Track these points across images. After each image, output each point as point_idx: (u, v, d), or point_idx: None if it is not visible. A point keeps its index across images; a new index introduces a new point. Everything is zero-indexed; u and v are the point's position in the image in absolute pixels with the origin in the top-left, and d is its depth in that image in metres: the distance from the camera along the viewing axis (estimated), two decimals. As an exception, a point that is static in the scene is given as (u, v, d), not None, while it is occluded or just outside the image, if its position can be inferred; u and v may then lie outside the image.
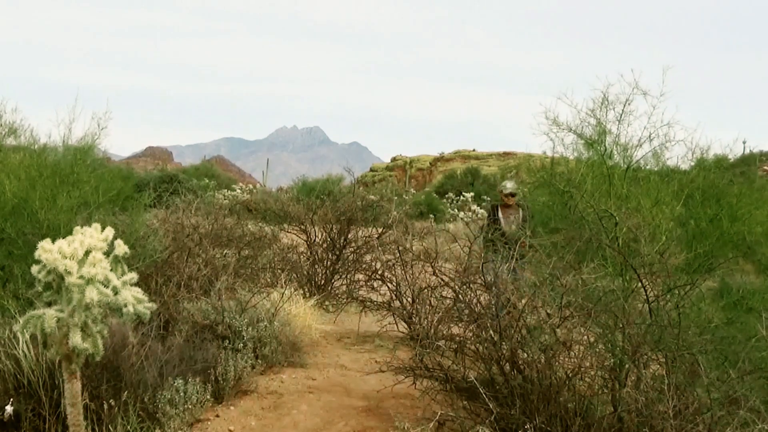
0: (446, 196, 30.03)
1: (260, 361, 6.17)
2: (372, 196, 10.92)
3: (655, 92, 5.21)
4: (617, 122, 5.48)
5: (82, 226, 3.34)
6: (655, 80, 5.28)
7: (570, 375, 4.33)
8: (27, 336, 4.21)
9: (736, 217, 5.87)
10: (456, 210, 25.50)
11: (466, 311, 5.29)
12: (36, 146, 6.76)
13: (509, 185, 8.39)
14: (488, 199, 28.93)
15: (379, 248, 8.79)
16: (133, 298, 3.27)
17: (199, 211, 8.93)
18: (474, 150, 53.37)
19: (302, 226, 10.21)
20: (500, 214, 8.32)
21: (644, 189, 5.47)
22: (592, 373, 4.41)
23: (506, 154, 49.77)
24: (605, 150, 5.50)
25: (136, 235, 6.36)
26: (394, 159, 55.47)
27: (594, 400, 4.29)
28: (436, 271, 5.89)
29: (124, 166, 20.15)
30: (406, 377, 5.31)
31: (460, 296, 5.33)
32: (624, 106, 5.37)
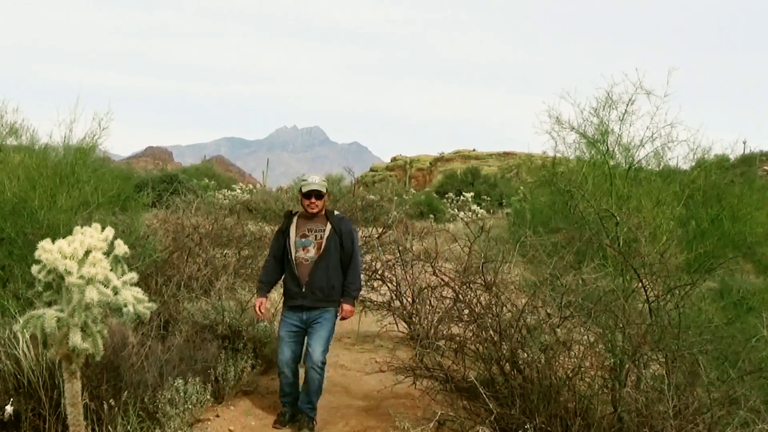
0: (446, 196, 30.02)
1: (260, 361, 6.17)
2: (372, 196, 10.92)
3: (659, 92, 5.20)
4: (620, 122, 5.48)
5: (82, 226, 3.33)
6: (658, 80, 5.27)
7: (570, 375, 4.33)
8: (27, 336, 4.21)
9: (737, 217, 5.87)
10: (456, 210, 25.48)
11: (466, 311, 5.29)
12: (37, 146, 6.76)
13: (314, 178, 4.82)
14: (488, 198, 28.83)
15: (379, 248, 8.80)
16: (133, 298, 3.26)
17: (199, 211, 8.94)
18: (474, 150, 53.41)
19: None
20: (292, 230, 4.80)
21: (645, 189, 5.47)
22: (592, 373, 4.41)
23: (506, 154, 49.79)
24: (607, 149, 5.49)
25: (136, 235, 6.36)
26: (394, 159, 55.51)
27: (594, 400, 4.28)
28: (436, 271, 5.88)
29: (124, 166, 20.13)
30: (406, 377, 5.30)
31: (460, 296, 5.33)
32: (627, 105, 5.37)
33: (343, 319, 4.86)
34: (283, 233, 4.82)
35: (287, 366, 4.88)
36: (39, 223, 5.81)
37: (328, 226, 4.75)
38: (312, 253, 4.71)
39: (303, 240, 4.74)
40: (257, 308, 4.84)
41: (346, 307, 4.82)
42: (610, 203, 5.14)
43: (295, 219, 4.83)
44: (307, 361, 4.82)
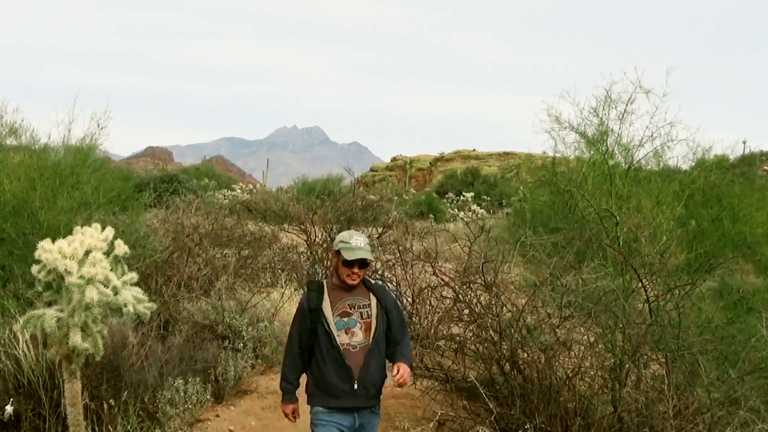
0: (446, 196, 30.02)
1: (260, 361, 6.18)
2: (372, 196, 10.92)
3: (659, 92, 5.21)
4: (619, 121, 5.48)
5: (82, 226, 3.33)
6: (658, 80, 5.28)
7: (570, 375, 4.33)
8: (27, 336, 4.21)
9: (737, 217, 5.87)
10: (456, 210, 25.50)
11: (466, 311, 5.29)
12: (36, 146, 6.76)
13: (360, 240, 3.59)
14: (488, 198, 28.85)
15: (379, 248, 8.79)
16: (133, 298, 3.26)
17: (199, 211, 8.94)
18: (474, 150, 53.37)
19: (302, 226, 10.22)
20: (326, 306, 3.55)
21: (645, 189, 5.47)
22: (592, 373, 4.41)
23: (506, 154, 49.77)
24: (607, 149, 5.50)
25: (136, 235, 6.36)
26: (394, 159, 55.49)
27: (594, 400, 4.29)
28: (436, 271, 5.88)
29: (124, 166, 20.14)
30: (406, 377, 5.30)
31: (460, 296, 5.33)
32: (626, 104, 5.37)
33: (399, 386, 3.51)
34: (313, 312, 3.53)
35: None
36: (39, 223, 5.81)
37: (373, 300, 3.59)
38: (360, 336, 3.52)
39: (346, 320, 3.53)
40: (290, 416, 3.56)
41: (404, 368, 3.47)
42: (610, 203, 5.14)
43: (326, 292, 3.58)
44: None
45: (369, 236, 9.90)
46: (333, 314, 3.51)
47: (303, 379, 3.63)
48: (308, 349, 3.55)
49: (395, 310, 3.65)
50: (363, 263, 3.53)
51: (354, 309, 3.56)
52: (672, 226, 5.29)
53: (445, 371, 5.13)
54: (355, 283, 3.57)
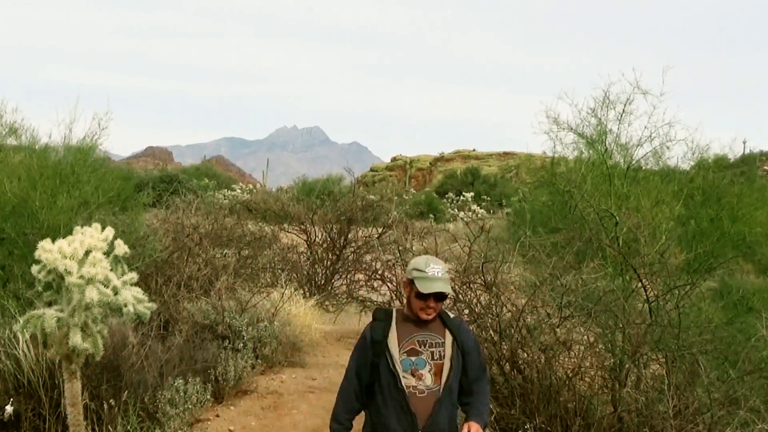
0: (446, 196, 30.05)
1: (260, 361, 6.18)
2: (372, 196, 10.93)
3: (657, 92, 5.23)
4: (618, 121, 5.50)
5: (82, 226, 3.34)
6: (657, 80, 5.29)
7: (570, 375, 4.33)
8: (27, 336, 4.21)
9: (736, 217, 5.88)
10: (456, 210, 25.50)
11: (466, 311, 5.29)
12: (37, 146, 6.77)
13: (437, 269, 3.01)
14: (488, 198, 28.84)
15: (379, 248, 8.79)
16: (133, 298, 3.27)
17: (199, 211, 8.94)
18: (474, 150, 53.39)
19: (302, 226, 10.23)
20: (392, 339, 3.03)
21: (644, 189, 5.48)
22: (592, 373, 4.41)
23: (506, 154, 49.78)
24: (605, 149, 5.50)
25: (136, 235, 6.36)
26: (394, 159, 55.50)
27: (594, 400, 4.29)
28: (436, 271, 5.87)
29: (124, 166, 20.13)
30: (406, 377, 5.30)
31: (460, 296, 5.33)
32: (625, 105, 5.38)
33: None
34: (377, 345, 3.03)
35: None
36: (39, 223, 5.82)
37: (448, 338, 3.06)
38: (429, 380, 2.99)
39: (413, 359, 3.01)
40: None
41: (476, 428, 2.94)
42: (609, 203, 5.15)
43: (394, 323, 3.08)
44: None
45: (369, 236, 9.92)
46: (399, 350, 3.01)
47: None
48: (367, 386, 3.07)
49: (474, 352, 3.12)
50: (440, 296, 3.02)
51: (424, 347, 3.04)
52: (671, 226, 5.30)
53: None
54: (429, 317, 3.04)
